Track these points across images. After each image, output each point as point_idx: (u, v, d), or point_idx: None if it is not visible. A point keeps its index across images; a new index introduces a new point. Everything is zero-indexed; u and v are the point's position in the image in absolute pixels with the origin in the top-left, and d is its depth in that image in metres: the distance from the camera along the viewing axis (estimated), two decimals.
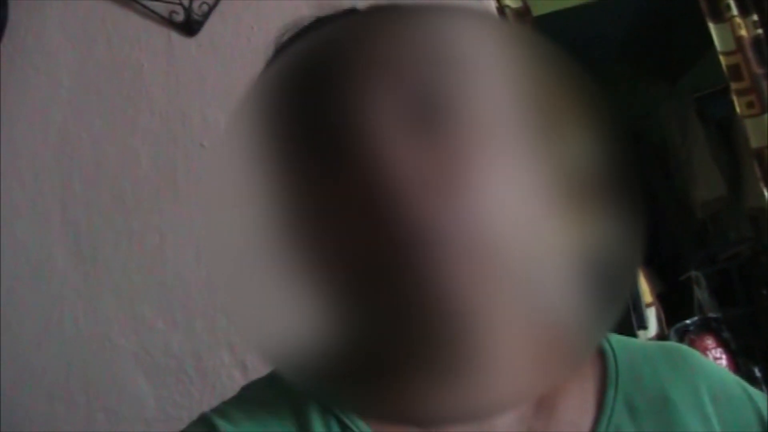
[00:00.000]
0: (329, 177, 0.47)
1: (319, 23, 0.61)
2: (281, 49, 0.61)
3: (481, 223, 0.46)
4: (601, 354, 0.64)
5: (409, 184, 0.45)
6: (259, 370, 0.65)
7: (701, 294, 2.76)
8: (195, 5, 1.53)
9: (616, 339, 0.66)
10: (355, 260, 0.46)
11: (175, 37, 1.55)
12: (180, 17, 1.54)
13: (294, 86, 0.49)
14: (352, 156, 0.46)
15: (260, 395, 0.63)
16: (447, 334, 0.47)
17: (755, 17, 2.14)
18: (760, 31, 2.12)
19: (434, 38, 0.49)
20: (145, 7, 1.54)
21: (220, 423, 0.59)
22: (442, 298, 0.45)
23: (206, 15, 1.54)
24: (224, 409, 0.61)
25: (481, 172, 0.47)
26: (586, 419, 0.60)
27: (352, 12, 0.62)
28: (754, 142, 2.11)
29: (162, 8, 1.54)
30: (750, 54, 2.10)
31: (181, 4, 1.53)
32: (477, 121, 0.48)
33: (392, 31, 0.49)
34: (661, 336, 2.27)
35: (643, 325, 2.18)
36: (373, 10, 0.53)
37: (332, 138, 0.47)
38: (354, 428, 0.58)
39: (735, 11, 2.14)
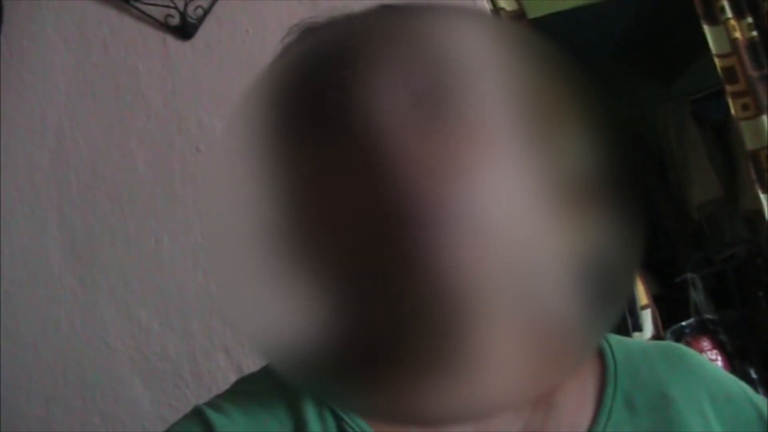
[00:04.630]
0: (330, 148, 0.47)
1: (323, 26, 0.62)
2: (288, 46, 0.62)
3: (479, 209, 0.46)
4: (600, 353, 0.64)
5: (409, 161, 0.45)
6: None
7: (697, 296, 2.76)
8: (190, 9, 1.53)
9: (615, 338, 0.66)
10: (351, 240, 0.46)
11: (171, 40, 1.55)
12: (175, 21, 1.54)
13: (302, 73, 0.49)
14: (355, 128, 0.46)
15: (255, 389, 0.63)
16: (442, 324, 0.47)
17: (750, 20, 2.14)
18: (755, 33, 2.12)
19: (434, 36, 0.49)
20: (140, 11, 1.55)
21: (214, 416, 0.59)
22: (435, 282, 0.45)
23: (201, 19, 1.54)
24: (218, 403, 0.61)
25: (482, 163, 0.47)
26: (585, 416, 0.60)
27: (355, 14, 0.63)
28: (750, 145, 2.11)
29: (157, 12, 1.54)
30: (745, 56, 2.11)
31: (176, 7, 1.53)
32: (476, 117, 0.49)
33: (396, 28, 0.50)
34: (656, 338, 2.27)
35: (638, 328, 2.19)
36: (380, 10, 0.53)
37: (336, 114, 0.47)
38: (349, 421, 0.58)
39: (730, 14, 2.14)
